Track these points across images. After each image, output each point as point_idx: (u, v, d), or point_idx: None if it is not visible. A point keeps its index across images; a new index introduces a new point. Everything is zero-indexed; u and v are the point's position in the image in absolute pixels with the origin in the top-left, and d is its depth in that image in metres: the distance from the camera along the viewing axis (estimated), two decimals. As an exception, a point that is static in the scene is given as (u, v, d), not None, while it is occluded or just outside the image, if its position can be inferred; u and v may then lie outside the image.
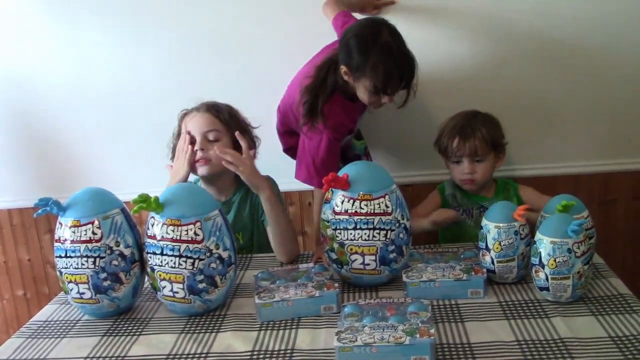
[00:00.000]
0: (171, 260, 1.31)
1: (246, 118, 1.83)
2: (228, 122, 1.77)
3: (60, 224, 1.36)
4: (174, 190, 1.38)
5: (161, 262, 1.32)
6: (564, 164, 2.18)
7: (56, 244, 1.36)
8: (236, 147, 1.76)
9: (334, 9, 1.96)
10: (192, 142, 1.73)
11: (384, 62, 1.62)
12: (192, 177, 1.85)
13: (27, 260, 2.49)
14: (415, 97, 1.75)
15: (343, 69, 1.69)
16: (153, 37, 2.17)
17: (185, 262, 1.31)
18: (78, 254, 1.33)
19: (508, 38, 2.06)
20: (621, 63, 2.06)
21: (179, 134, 1.79)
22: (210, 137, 1.73)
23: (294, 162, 1.98)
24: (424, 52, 1.76)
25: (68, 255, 1.34)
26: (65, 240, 1.34)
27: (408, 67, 1.66)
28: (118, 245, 1.35)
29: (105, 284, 1.35)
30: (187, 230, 1.31)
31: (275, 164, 2.06)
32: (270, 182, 1.82)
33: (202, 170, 1.73)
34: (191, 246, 1.31)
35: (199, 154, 1.71)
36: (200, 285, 1.32)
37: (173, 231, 1.31)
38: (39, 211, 1.37)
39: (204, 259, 1.31)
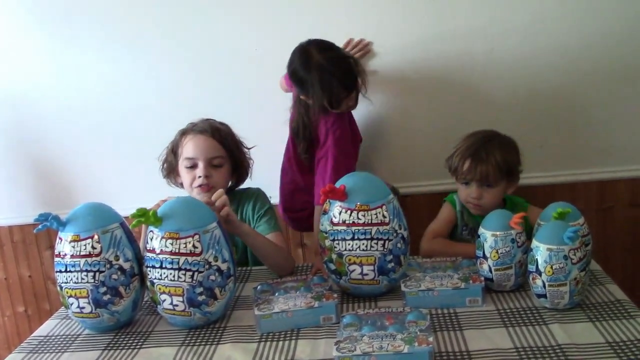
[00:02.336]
0: (170, 274, 1.32)
1: (242, 139, 1.83)
2: (231, 148, 1.76)
3: (60, 239, 1.37)
4: (172, 204, 1.39)
5: (160, 275, 1.33)
6: (561, 172, 2.19)
7: (56, 259, 1.37)
8: (235, 171, 1.80)
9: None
10: (193, 165, 1.71)
11: (322, 81, 1.76)
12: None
13: (28, 277, 2.50)
14: (366, 92, 1.90)
15: (302, 97, 1.85)
16: (152, 56, 2.20)
17: (185, 274, 1.31)
18: (78, 269, 1.34)
19: (505, 46, 2.07)
20: (618, 71, 2.08)
21: (173, 150, 1.78)
22: (215, 163, 1.72)
23: None
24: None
25: (68, 269, 1.35)
26: (65, 255, 1.35)
27: (346, 73, 1.80)
28: (117, 260, 1.36)
29: (105, 298, 1.35)
30: (185, 243, 1.31)
31: (274, 179, 2.08)
32: (261, 195, 1.84)
33: (202, 197, 1.66)
34: (190, 259, 1.31)
35: (202, 181, 1.69)
36: (200, 298, 1.33)
37: (172, 244, 1.32)
38: (39, 226, 1.38)
39: (203, 272, 1.32)
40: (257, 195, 1.84)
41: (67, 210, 1.43)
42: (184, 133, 1.77)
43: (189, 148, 1.72)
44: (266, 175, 1.91)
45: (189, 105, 2.16)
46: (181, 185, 1.80)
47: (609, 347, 1.14)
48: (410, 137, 2.17)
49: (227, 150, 1.75)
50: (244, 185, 1.87)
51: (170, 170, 1.81)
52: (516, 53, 2.08)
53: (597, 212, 2.20)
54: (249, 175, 1.85)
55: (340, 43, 2.11)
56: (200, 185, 1.69)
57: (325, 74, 1.76)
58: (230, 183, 1.82)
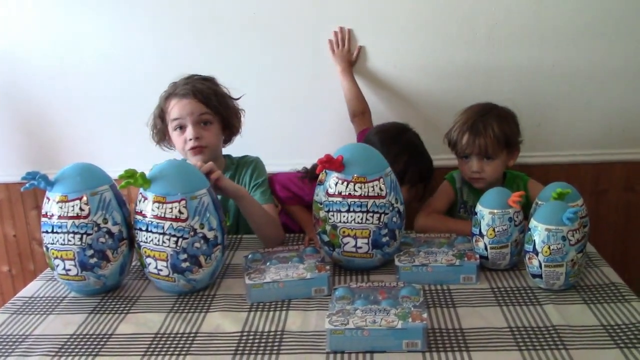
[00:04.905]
0: (155, 238, 1.30)
1: (228, 90, 1.80)
2: (216, 105, 1.73)
3: (48, 198, 1.34)
4: (163, 167, 1.35)
5: (146, 238, 1.31)
6: (557, 153, 2.17)
7: (43, 219, 1.34)
8: (226, 126, 1.77)
9: (362, 124, 2.04)
10: (180, 127, 1.69)
11: (406, 154, 1.72)
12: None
13: (12, 236, 2.45)
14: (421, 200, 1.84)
15: None
16: (145, 13, 2.13)
17: (169, 240, 1.29)
18: (65, 230, 1.30)
19: (504, 25, 2.03)
20: (618, 54, 2.05)
21: (160, 116, 1.76)
22: (203, 121, 1.70)
23: (287, 143, 2.05)
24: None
25: (55, 230, 1.31)
26: (52, 215, 1.32)
27: (428, 164, 1.81)
28: (106, 223, 1.33)
29: (92, 261, 1.32)
30: (171, 208, 1.28)
31: (269, 145, 2.06)
32: (259, 164, 1.82)
33: (197, 159, 1.67)
34: (175, 224, 1.28)
35: (194, 143, 1.67)
36: (184, 265, 1.30)
37: (158, 208, 1.29)
38: (26, 185, 1.34)
39: (187, 238, 1.29)
40: (256, 163, 1.82)
41: (55, 170, 1.38)
42: (167, 97, 1.73)
43: (175, 111, 1.69)
44: (262, 137, 1.87)
45: (183, 66, 2.09)
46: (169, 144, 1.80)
47: (603, 329, 1.13)
48: (409, 112, 2.14)
49: (212, 109, 1.72)
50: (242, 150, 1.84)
51: (162, 137, 1.79)
52: (519, 28, 2.04)
53: (591, 194, 2.19)
54: (241, 128, 1.82)
55: (341, 11, 2.07)
56: (192, 148, 1.67)
57: (412, 149, 1.76)
58: (223, 138, 1.80)
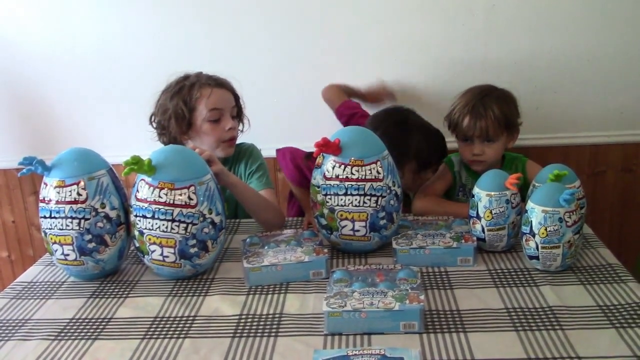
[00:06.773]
0: (163, 225, 1.28)
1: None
2: (238, 98, 1.76)
3: (45, 184, 1.33)
4: (167, 153, 1.34)
5: (152, 226, 1.29)
6: (555, 135, 2.17)
7: (41, 204, 1.34)
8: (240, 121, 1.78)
9: (339, 97, 2.02)
10: (215, 119, 1.66)
11: (424, 140, 1.69)
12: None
13: (11, 222, 2.46)
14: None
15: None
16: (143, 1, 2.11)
17: (178, 226, 1.28)
18: (63, 215, 1.31)
19: (502, 6, 2.02)
20: (614, 36, 2.04)
21: (187, 105, 1.65)
22: (234, 114, 1.72)
23: (285, 126, 2.06)
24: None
25: (53, 215, 1.31)
26: (50, 200, 1.32)
27: (441, 143, 1.75)
28: (104, 207, 1.33)
29: (90, 246, 1.33)
30: (181, 194, 1.28)
31: (268, 128, 2.05)
32: (254, 151, 1.81)
33: (230, 150, 1.71)
34: (185, 210, 1.28)
35: (234, 133, 1.70)
36: (192, 250, 1.31)
37: (166, 195, 1.28)
38: (23, 170, 1.34)
39: (197, 224, 1.29)
40: (251, 151, 1.81)
41: (51, 156, 1.38)
42: (192, 86, 1.66)
43: (213, 101, 1.66)
44: (264, 122, 1.87)
45: (179, 52, 2.10)
46: (180, 140, 1.72)
47: (599, 310, 1.14)
48: (406, 95, 2.13)
49: (237, 102, 1.75)
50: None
51: (187, 128, 1.68)
52: (517, 10, 2.03)
53: (589, 176, 2.19)
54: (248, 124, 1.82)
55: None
56: (232, 139, 1.70)
57: (427, 133, 1.71)
58: None
